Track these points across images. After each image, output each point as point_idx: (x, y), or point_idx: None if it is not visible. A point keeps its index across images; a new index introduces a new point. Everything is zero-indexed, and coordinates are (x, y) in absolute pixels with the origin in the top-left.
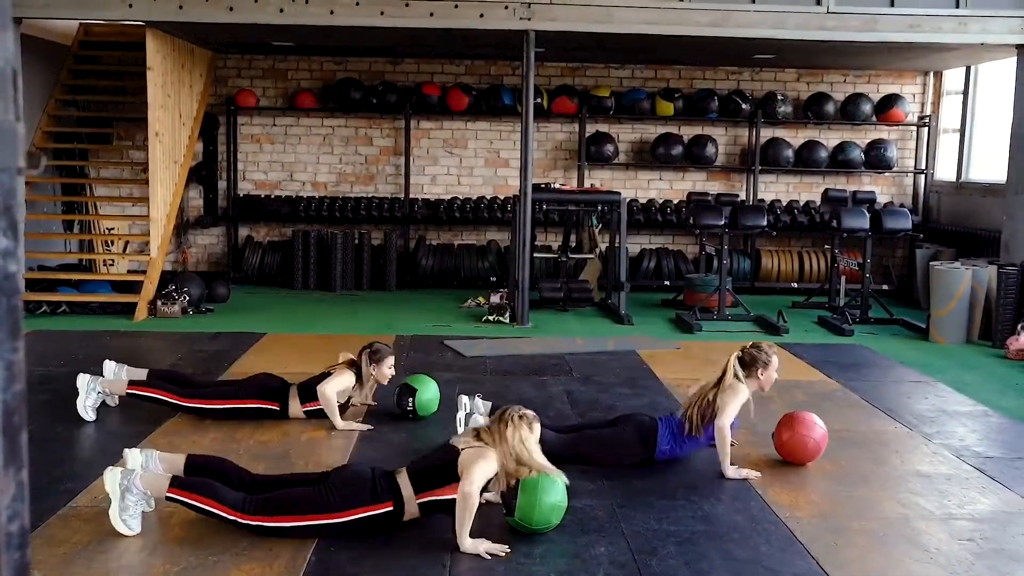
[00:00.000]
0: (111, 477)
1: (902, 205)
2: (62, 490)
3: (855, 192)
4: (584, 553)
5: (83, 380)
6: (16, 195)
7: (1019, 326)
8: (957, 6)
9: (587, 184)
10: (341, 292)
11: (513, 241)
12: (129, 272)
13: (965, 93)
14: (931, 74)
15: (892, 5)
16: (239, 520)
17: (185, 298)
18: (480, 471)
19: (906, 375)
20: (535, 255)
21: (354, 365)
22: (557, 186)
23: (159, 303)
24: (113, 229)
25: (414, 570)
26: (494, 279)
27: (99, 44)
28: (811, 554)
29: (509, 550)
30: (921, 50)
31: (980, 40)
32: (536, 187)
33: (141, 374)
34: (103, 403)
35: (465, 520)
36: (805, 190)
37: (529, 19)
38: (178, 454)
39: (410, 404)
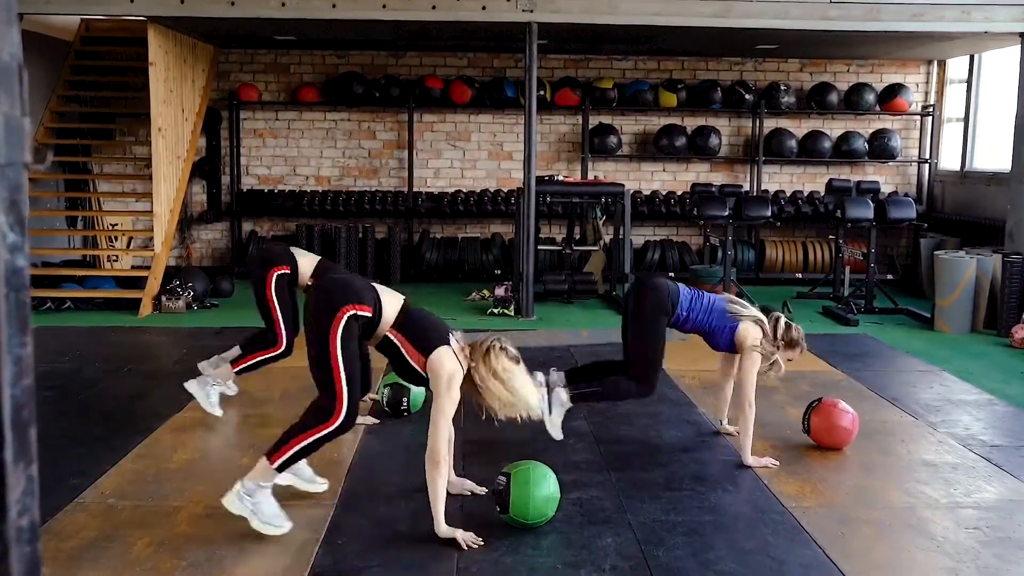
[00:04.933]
0: (233, 503)
1: (906, 195)
2: (69, 485)
3: (859, 182)
4: (591, 544)
5: (193, 385)
6: (23, 190)
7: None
8: None
9: (591, 176)
10: None
11: (517, 234)
12: (133, 268)
13: (969, 82)
14: (934, 63)
15: None
16: (335, 425)
17: (189, 293)
18: (443, 422)
19: (911, 364)
20: (539, 248)
21: None
22: (561, 178)
23: (163, 298)
24: (117, 225)
25: (422, 562)
26: (498, 272)
27: (101, 40)
28: (817, 544)
29: (483, 543)
30: (924, 39)
31: (983, 29)
32: (540, 179)
33: (234, 352)
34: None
35: (436, 495)
36: (809, 180)
37: (532, 11)
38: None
39: (404, 403)
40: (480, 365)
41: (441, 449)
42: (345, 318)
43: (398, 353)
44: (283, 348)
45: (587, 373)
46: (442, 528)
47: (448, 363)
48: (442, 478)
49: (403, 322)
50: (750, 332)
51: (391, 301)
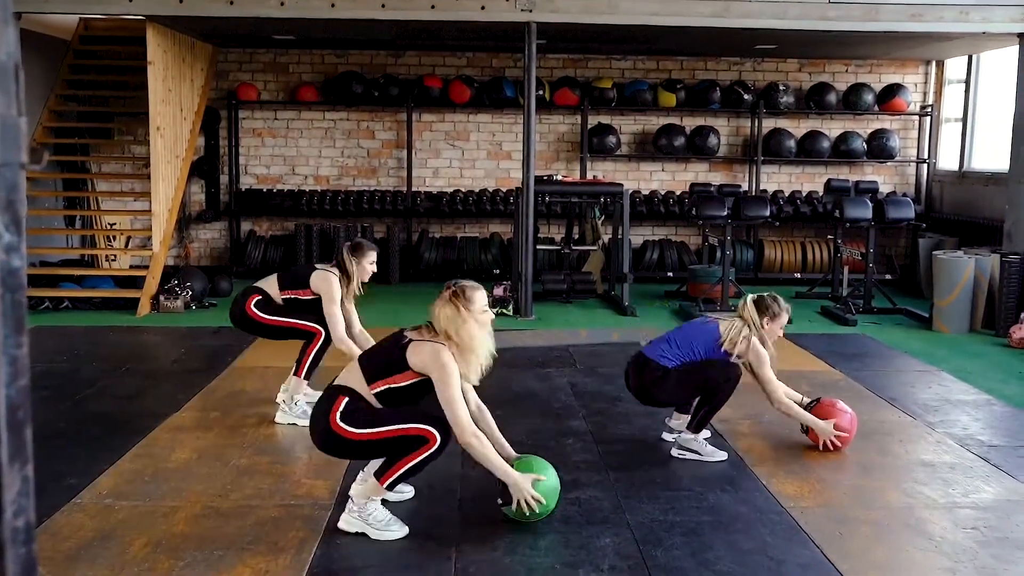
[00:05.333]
0: (347, 522)
1: (905, 195)
2: (66, 485)
3: (858, 182)
4: (590, 544)
5: (282, 417)
6: (20, 190)
7: (1022, 314)
8: None
9: (590, 176)
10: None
11: (516, 233)
12: (131, 267)
13: (967, 82)
14: (933, 63)
15: None
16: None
17: (188, 293)
18: (455, 405)
19: (909, 364)
20: (538, 247)
21: (338, 265)
22: (559, 178)
23: (161, 298)
24: (115, 224)
25: (420, 564)
26: (497, 271)
27: (99, 39)
28: (816, 544)
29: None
30: (923, 39)
31: (982, 29)
32: (539, 179)
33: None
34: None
35: (492, 463)
36: (808, 180)
37: (531, 11)
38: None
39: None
40: (456, 322)
41: (470, 429)
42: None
43: (399, 391)
44: (322, 336)
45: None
46: (515, 476)
47: (424, 352)
48: (487, 448)
49: (372, 373)
50: (732, 335)
51: (353, 373)
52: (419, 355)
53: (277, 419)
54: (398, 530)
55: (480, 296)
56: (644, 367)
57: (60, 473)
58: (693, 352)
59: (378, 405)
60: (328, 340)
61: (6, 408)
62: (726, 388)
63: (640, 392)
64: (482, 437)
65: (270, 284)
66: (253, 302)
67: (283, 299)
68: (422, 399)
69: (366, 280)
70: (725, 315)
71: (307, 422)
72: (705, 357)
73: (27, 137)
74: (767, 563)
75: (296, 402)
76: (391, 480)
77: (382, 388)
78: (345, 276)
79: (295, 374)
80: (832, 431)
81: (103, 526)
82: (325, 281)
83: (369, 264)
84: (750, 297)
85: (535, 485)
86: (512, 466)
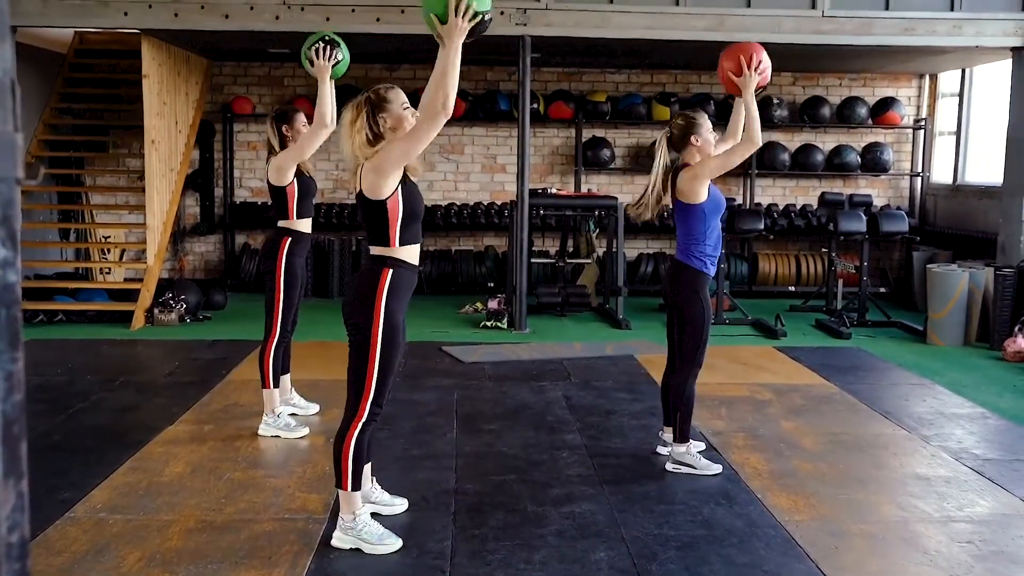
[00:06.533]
0: (339, 540)
1: (899, 208)
2: (60, 499)
3: (852, 195)
4: (584, 558)
5: (264, 430)
6: (15, 205)
7: (1016, 328)
8: (952, 9)
9: (584, 189)
10: (338, 298)
11: (510, 247)
12: (126, 280)
13: (961, 96)
14: (926, 77)
15: (887, 8)
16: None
17: (182, 306)
18: (405, 139)
19: (904, 378)
20: (532, 260)
21: (268, 143)
22: (554, 191)
23: (156, 311)
24: (109, 237)
25: None
26: (491, 285)
27: (94, 52)
28: (810, 558)
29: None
30: (916, 53)
31: (975, 43)
32: (533, 192)
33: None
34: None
35: (450, 70)
36: (801, 193)
37: (525, 24)
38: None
39: (340, 56)
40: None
41: (436, 102)
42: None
43: (409, 225)
44: (276, 335)
45: (665, 408)
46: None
47: (367, 172)
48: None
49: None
50: (685, 171)
51: None
52: (366, 180)
53: (260, 431)
54: (393, 543)
55: (397, 94)
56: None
57: (54, 487)
58: (685, 227)
59: (406, 252)
60: (282, 338)
61: (2, 423)
62: (682, 382)
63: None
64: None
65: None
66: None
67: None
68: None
69: (303, 132)
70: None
71: (291, 434)
72: (686, 224)
73: (23, 152)
74: None
75: (279, 413)
76: (347, 477)
77: (396, 234)
78: (283, 147)
79: (264, 387)
80: (751, 83)
81: (97, 540)
82: (281, 157)
83: (302, 125)
84: (661, 137)
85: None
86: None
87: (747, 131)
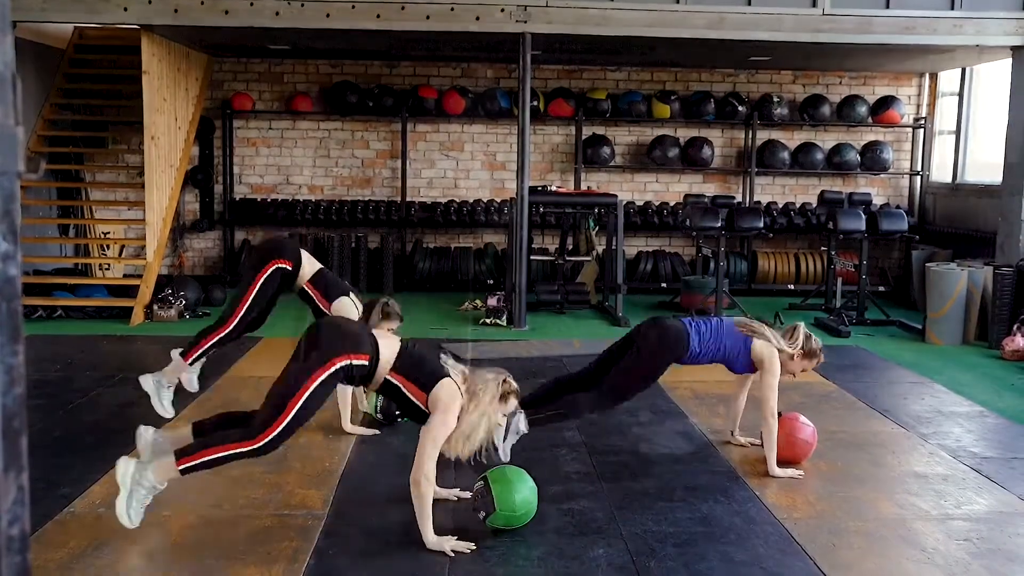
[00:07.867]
0: (123, 468)
1: (898, 207)
2: (59, 494)
3: (851, 194)
4: (583, 555)
5: (147, 381)
6: (16, 199)
7: (1015, 327)
8: (952, 8)
9: (584, 187)
10: None
11: (510, 244)
12: (125, 276)
13: (960, 95)
14: (926, 76)
15: (887, 7)
16: (255, 446)
17: (181, 302)
18: (431, 445)
19: (902, 376)
20: (532, 258)
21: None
22: (554, 189)
23: (155, 307)
24: (109, 233)
25: (413, 573)
26: (491, 282)
27: (94, 48)
28: (809, 555)
29: (474, 547)
30: (916, 52)
31: (975, 42)
32: (533, 190)
33: (181, 347)
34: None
35: (423, 512)
36: (801, 192)
37: (525, 22)
38: (183, 428)
39: (397, 411)
40: (479, 402)
41: (430, 473)
42: (334, 368)
43: (400, 394)
44: (230, 329)
45: (547, 397)
46: (431, 540)
47: (450, 393)
48: (428, 497)
49: (400, 364)
50: (766, 349)
51: (388, 344)
52: (445, 394)
53: (141, 379)
54: (135, 522)
55: (511, 403)
56: (666, 327)
57: (53, 482)
58: (718, 344)
59: (370, 388)
60: (231, 336)
61: (2, 417)
62: (587, 404)
63: (630, 348)
64: (433, 485)
65: (308, 268)
66: (276, 266)
67: (303, 286)
68: (405, 414)
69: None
70: (758, 328)
71: (157, 403)
72: (724, 353)
73: (24, 146)
74: (760, 574)
75: (168, 386)
76: (191, 465)
77: (394, 380)
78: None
79: (182, 356)
80: (780, 474)
81: (96, 535)
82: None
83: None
84: (803, 327)
85: (515, 495)
86: (486, 476)
87: (767, 416)
